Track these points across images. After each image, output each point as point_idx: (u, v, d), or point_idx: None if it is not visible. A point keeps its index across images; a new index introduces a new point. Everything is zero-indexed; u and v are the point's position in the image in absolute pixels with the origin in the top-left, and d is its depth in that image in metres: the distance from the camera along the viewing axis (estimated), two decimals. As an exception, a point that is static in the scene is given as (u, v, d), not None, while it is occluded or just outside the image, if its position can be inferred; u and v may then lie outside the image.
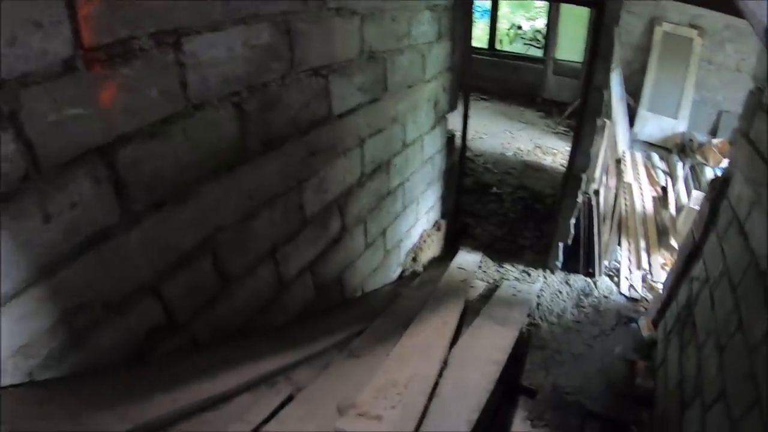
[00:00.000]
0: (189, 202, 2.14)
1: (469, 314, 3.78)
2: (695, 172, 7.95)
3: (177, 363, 2.23)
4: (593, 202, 5.32)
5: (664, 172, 8.34)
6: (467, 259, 5.28)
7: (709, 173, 7.58)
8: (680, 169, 8.09)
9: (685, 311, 3.38)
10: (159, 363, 2.15)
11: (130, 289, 1.96)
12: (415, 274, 4.85)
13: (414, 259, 4.89)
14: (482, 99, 10.94)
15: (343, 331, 3.19)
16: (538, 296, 5.05)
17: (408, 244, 4.78)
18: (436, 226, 5.36)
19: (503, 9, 13.25)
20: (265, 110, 2.45)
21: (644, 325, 4.12)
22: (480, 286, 4.90)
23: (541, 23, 13.26)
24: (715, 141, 8.30)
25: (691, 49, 8.85)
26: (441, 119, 4.80)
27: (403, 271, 4.77)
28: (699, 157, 8.18)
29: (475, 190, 7.18)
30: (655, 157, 8.84)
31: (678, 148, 9.02)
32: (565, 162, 7.71)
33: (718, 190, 3.35)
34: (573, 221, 5.19)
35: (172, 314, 2.20)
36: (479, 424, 2.45)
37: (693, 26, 8.77)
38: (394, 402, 2.39)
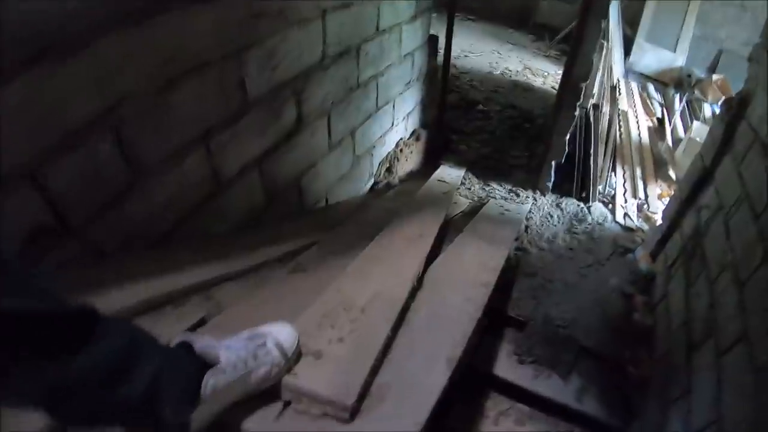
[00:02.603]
0: (79, 57, 1.54)
1: (451, 231, 3.20)
2: (692, 108, 7.49)
3: (66, 275, 1.65)
4: (591, 118, 4.69)
5: (660, 104, 7.77)
6: (450, 173, 4.62)
7: (708, 109, 7.24)
8: (677, 103, 7.55)
9: (692, 242, 2.98)
10: (43, 275, 1.54)
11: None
12: (389, 186, 4.26)
13: (389, 170, 4.29)
14: (469, 19, 10.33)
15: (293, 241, 2.54)
16: (527, 219, 4.50)
17: (382, 151, 4.18)
18: (415, 135, 4.74)
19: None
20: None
21: (642, 257, 3.79)
22: (463, 203, 4.28)
23: None
24: (715, 77, 7.81)
25: None
26: (424, 11, 4.14)
27: (375, 183, 4.18)
28: (697, 93, 7.72)
29: (461, 106, 6.57)
30: (651, 88, 8.28)
31: (675, 83, 8.47)
32: (556, 85, 7.25)
33: (735, 110, 2.96)
34: (568, 138, 4.58)
35: (61, 213, 1.63)
36: (460, 363, 1.82)
37: None
38: (343, 332, 1.74)
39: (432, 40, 4.51)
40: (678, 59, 8.63)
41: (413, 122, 4.69)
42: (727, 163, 2.93)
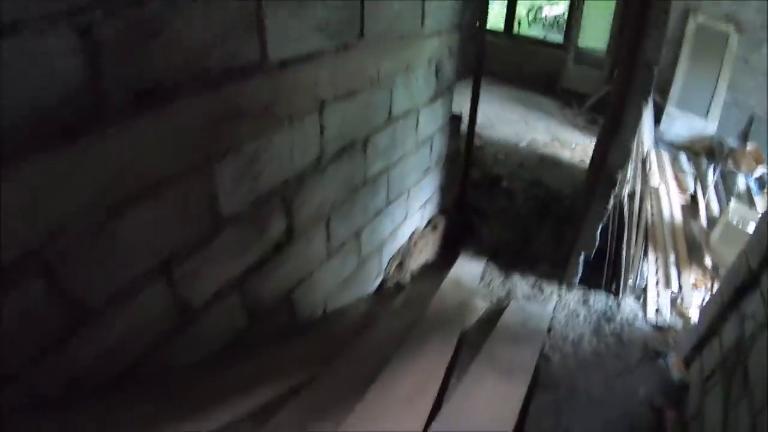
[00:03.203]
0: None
1: (464, 351, 2.82)
2: (725, 180, 7.10)
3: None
4: (625, 209, 4.28)
5: (692, 176, 7.32)
6: (467, 271, 4.22)
7: (741, 182, 6.88)
8: (710, 175, 7.14)
9: (734, 356, 2.64)
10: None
11: None
12: (399, 286, 3.80)
13: (400, 266, 3.84)
14: (496, 84, 9.97)
15: (272, 385, 2.10)
16: (552, 318, 4.07)
17: (393, 247, 3.73)
18: (432, 224, 4.29)
19: (522, -9, 12.16)
20: (137, 42, 1.46)
21: (674, 364, 3.49)
22: (481, 307, 3.87)
23: (561, 9, 12.33)
24: (749, 147, 7.46)
25: (726, 46, 7.93)
26: (445, 91, 3.68)
27: (384, 281, 3.73)
28: (730, 163, 7.33)
29: (483, 183, 6.12)
30: (683, 159, 7.87)
31: (706, 152, 8.08)
32: (585, 157, 6.93)
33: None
34: (599, 230, 4.15)
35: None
36: None
37: (730, 20, 7.84)
38: None
39: (454, 120, 4.09)
40: (709, 126, 8.32)
41: (430, 210, 4.26)
42: (777, 269, 2.53)
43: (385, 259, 3.66)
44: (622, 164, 3.80)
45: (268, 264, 2.32)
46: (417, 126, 3.41)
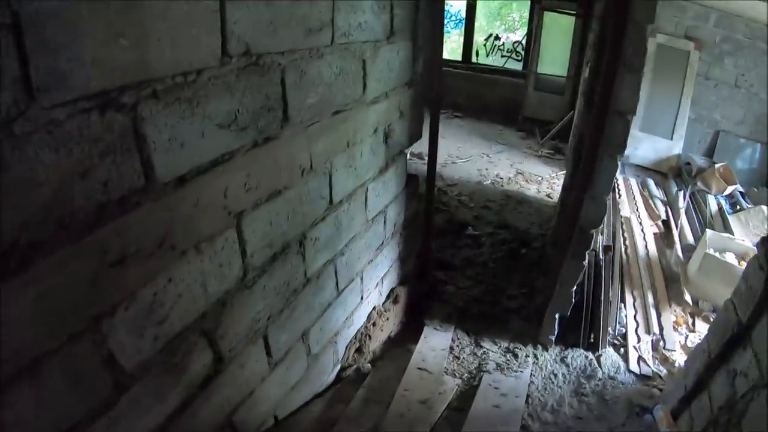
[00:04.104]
0: None
1: None
2: (696, 201, 6.89)
3: None
4: (601, 263, 3.99)
5: (662, 201, 7.11)
6: (433, 347, 3.88)
7: (713, 202, 6.65)
8: (681, 200, 6.91)
9: (726, 414, 2.39)
10: None
11: None
12: (360, 373, 3.42)
13: (359, 350, 3.45)
14: (456, 116, 9.92)
15: None
16: (529, 384, 3.75)
17: (349, 333, 3.32)
18: (393, 297, 3.90)
19: (479, 20, 11.92)
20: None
21: (661, 418, 3.17)
22: (451, 388, 3.53)
23: (520, 35, 12.13)
24: (717, 165, 7.28)
25: (687, 63, 7.86)
26: (397, 156, 3.26)
27: (343, 369, 3.34)
28: (700, 184, 7.13)
29: (448, 230, 5.80)
30: (652, 184, 7.64)
31: (674, 172, 7.98)
32: (551, 191, 6.67)
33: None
34: (575, 288, 3.81)
35: None
36: None
37: (689, 38, 7.79)
38: None
39: (411, 181, 3.69)
40: (675, 146, 8.23)
41: (389, 282, 3.84)
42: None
43: (342, 346, 3.28)
44: (599, 221, 3.48)
45: (195, 400, 1.96)
46: (366, 204, 3.01)
